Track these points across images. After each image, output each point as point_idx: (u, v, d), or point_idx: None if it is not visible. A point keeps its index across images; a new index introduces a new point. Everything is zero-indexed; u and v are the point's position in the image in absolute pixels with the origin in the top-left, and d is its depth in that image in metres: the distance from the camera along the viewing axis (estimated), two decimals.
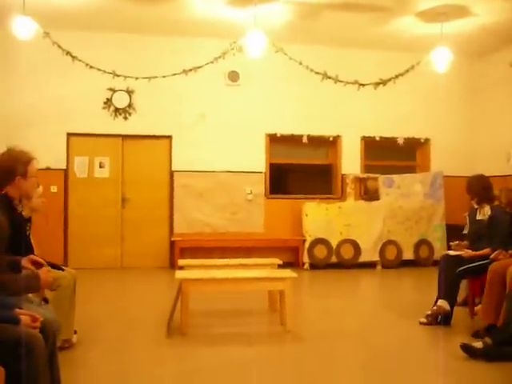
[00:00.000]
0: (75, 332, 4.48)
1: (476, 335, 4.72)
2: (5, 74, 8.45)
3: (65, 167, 8.81)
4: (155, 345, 4.57)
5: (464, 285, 5.63)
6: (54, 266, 4.41)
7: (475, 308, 5.30)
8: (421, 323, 5.21)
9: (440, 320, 5.15)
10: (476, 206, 5.39)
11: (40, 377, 2.52)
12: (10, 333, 2.49)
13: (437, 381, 3.80)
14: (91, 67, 8.55)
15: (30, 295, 3.39)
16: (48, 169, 8.59)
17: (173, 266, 8.46)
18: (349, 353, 4.58)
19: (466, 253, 5.20)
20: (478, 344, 4.15)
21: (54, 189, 8.62)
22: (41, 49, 8.17)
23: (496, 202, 5.46)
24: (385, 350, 4.50)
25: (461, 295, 5.55)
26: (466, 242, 5.45)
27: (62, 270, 4.45)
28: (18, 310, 2.71)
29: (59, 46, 8.31)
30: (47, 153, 8.57)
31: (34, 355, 2.47)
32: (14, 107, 8.51)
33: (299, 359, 4.37)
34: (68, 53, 8.42)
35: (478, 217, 5.34)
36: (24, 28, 7.07)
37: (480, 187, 5.36)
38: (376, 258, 9.18)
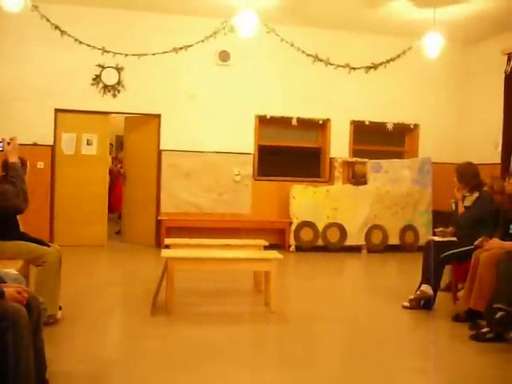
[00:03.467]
0: (60, 308, 4.48)
1: (456, 319, 4.82)
2: None
3: (52, 143, 8.72)
4: (140, 322, 4.58)
5: (448, 270, 5.70)
6: (39, 242, 4.42)
7: (458, 293, 5.37)
8: (404, 307, 5.28)
9: (423, 304, 5.23)
10: (466, 194, 5.42)
11: (23, 351, 2.53)
12: None
13: (418, 363, 3.86)
14: (80, 42, 8.45)
15: (15, 272, 3.39)
16: (35, 144, 8.52)
17: (159, 244, 8.45)
18: (332, 334, 4.64)
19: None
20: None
21: (40, 165, 8.53)
22: (29, 22, 8.06)
23: (485, 188, 5.49)
24: (367, 333, 4.55)
25: (444, 281, 5.62)
26: (451, 229, 5.50)
27: (48, 246, 4.45)
28: (2, 284, 2.71)
29: (48, 20, 8.20)
30: (34, 128, 8.53)
31: (18, 330, 2.48)
32: (1, 81, 8.38)
33: (282, 340, 4.41)
34: (57, 27, 8.30)
35: (465, 203, 5.38)
36: (12, 0, 6.94)
37: (472, 175, 5.38)
38: (362, 242, 9.24)
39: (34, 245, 4.32)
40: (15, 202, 3.67)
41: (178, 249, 5.72)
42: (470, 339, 4.25)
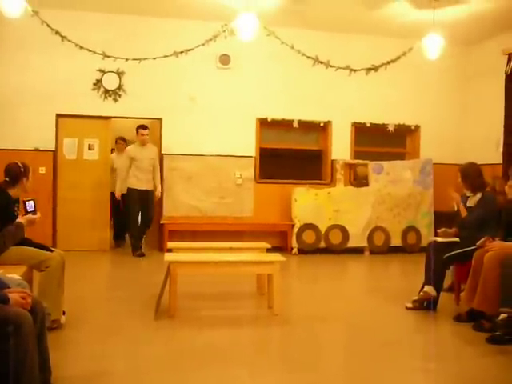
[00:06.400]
0: (64, 313, 4.49)
1: (457, 319, 4.82)
2: None
3: (54, 148, 8.74)
4: (143, 326, 4.58)
5: (451, 271, 5.70)
6: (43, 248, 4.43)
7: (461, 294, 5.35)
8: (407, 308, 5.27)
9: (426, 305, 5.22)
10: (469, 194, 5.41)
11: (28, 356, 2.54)
12: None
13: (422, 364, 3.86)
14: (81, 47, 8.47)
15: (19, 278, 3.40)
16: (37, 150, 8.55)
17: (162, 248, 8.46)
18: (335, 336, 4.63)
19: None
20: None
21: (42, 170, 8.55)
22: (29, 28, 8.08)
23: (487, 189, 5.49)
24: (371, 334, 4.55)
25: (447, 281, 5.62)
26: (454, 229, 5.49)
27: (51, 251, 4.46)
28: (7, 289, 2.72)
29: (48, 26, 8.20)
30: (36, 134, 8.56)
31: (22, 334, 2.49)
32: (2, 87, 8.41)
33: (286, 342, 4.41)
34: (57, 32, 8.31)
35: (469, 204, 5.37)
36: (12, 6, 6.96)
37: (476, 175, 5.38)
38: (364, 243, 9.24)
39: (37, 250, 4.33)
40: None
41: (181, 252, 5.73)
42: (486, 342, 4.19)
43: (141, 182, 8.43)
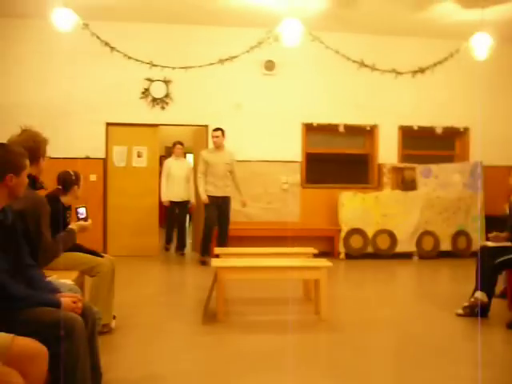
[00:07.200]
0: (114, 317, 4.60)
1: (510, 326, 4.68)
2: (45, 64, 8.61)
3: (104, 156, 8.97)
4: (191, 331, 4.65)
5: (503, 276, 5.55)
6: (94, 253, 4.56)
7: None
8: (458, 315, 5.16)
9: (477, 312, 5.09)
10: None
11: (80, 359, 2.60)
12: (50, 316, 2.58)
13: (472, 373, 3.76)
14: (129, 58, 8.69)
15: (71, 283, 3.51)
16: (87, 158, 8.78)
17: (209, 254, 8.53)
18: (383, 343, 4.57)
19: None
20: None
21: (93, 177, 8.79)
22: (80, 40, 8.31)
23: None
24: (420, 342, 4.47)
25: (499, 287, 5.47)
26: (506, 233, 5.34)
27: (102, 256, 4.58)
28: (59, 294, 2.81)
29: (98, 37, 8.47)
30: (86, 142, 8.79)
31: (74, 338, 2.55)
32: (54, 97, 8.68)
33: (333, 348, 4.38)
34: (106, 44, 8.57)
35: None
36: (64, 19, 7.24)
37: None
38: (413, 248, 9.09)
39: (89, 256, 4.46)
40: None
41: (228, 258, 5.78)
42: None
43: (216, 189, 8.07)
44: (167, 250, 9.38)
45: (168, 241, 9.41)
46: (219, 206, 8.11)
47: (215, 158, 8.09)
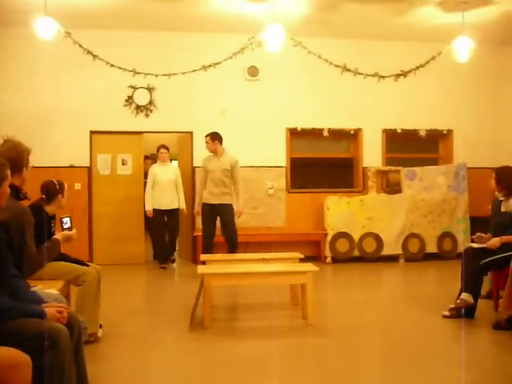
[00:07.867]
0: (100, 326, 4.56)
1: (497, 327, 4.71)
2: (28, 73, 8.56)
3: (88, 165, 8.91)
4: (178, 339, 4.62)
5: (488, 277, 5.59)
6: (79, 262, 4.52)
7: (499, 301, 5.24)
8: (444, 316, 5.18)
9: (463, 313, 5.12)
10: (501, 199, 5.32)
11: (65, 370, 2.58)
12: (35, 326, 2.55)
13: (458, 374, 3.78)
14: (112, 65, 8.66)
15: (56, 293, 3.48)
16: (72, 166, 8.73)
17: (195, 260, 8.51)
18: (371, 346, 4.58)
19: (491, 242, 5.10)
20: None
21: (77, 186, 8.73)
22: (62, 48, 8.25)
23: None
24: (407, 344, 4.49)
25: (485, 288, 5.51)
26: (489, 235, 5.38)
27: (87, 265, 4.55)
28: (44, 304, 2.78)
29: (80, 46, 8.43)
30: (71, 151, 8.75)
31: (59, 348, 2.53)
32: (37, 106, 8.63)
33: (321, 353, 4.38)
34: (89, 52, 8.53)
35: (503, 209, 5.28)
36: (46, 28, 7.18)
37: (511, 179, 5.28)
38: (399, 251, 9.13)
39: (74, 265, 4.43)
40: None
41: (214, 264, 5.76)
42: None
43: (212, 196, 7.67)
44: (164, 268, 8.47)
45: (160, 257, 8.60)
46: (217, 215, 7.75)
47: (211, 164, 7.76)
